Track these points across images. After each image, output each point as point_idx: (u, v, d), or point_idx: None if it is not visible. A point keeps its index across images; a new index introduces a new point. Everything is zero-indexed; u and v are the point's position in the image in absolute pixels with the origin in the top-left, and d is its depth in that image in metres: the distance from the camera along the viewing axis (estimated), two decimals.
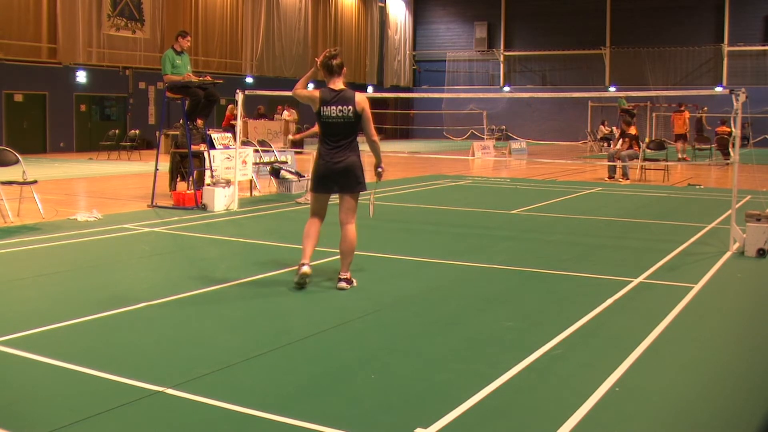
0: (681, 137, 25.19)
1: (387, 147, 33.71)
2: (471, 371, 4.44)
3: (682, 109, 26.35)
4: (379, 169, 6.72)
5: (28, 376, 4.32)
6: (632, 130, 17.85)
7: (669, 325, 5.44)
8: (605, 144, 27.79)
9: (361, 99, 6.29)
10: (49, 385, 4.16)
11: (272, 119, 29.23)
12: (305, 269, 6.27)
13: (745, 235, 8.17)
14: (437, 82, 44.42)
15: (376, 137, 6.46)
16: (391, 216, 11.20)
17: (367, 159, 6.67)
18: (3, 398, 3.98)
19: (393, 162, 23.22)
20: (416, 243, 8.94)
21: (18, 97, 24.94)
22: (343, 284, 6.33)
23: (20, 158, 10.55)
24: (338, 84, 6.34)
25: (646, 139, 23.83)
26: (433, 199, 13.39)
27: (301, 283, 6.29)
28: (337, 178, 6.41)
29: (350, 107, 6.26)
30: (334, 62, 6.33)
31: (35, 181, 10.49)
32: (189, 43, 12.14)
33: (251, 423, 3.69)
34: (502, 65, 43.22)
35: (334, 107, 6.27)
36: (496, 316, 5.72)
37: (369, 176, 6.76)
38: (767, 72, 37.22)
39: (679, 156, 23.98)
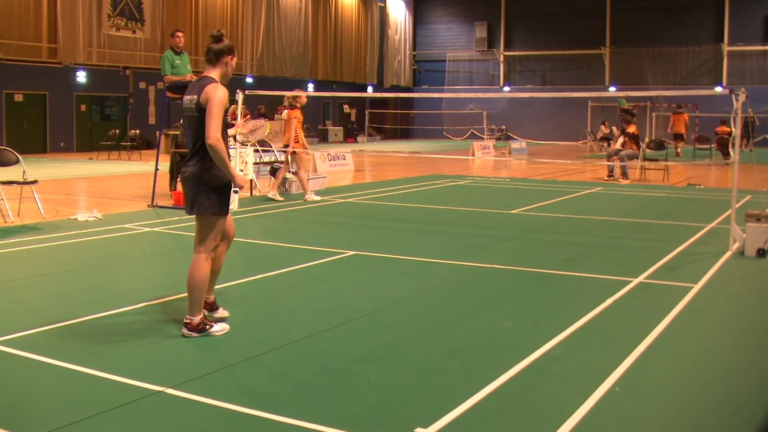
0: (679, 137, 27.71)
1: (387, 147, 33.72)
2: (471, 371, 4.44)
3: (681, 110, 28.58)
4: (235, 189, 5.16)
5: (28, 376, 4.32)
6: (632, 129, 17.84)
7: (669, 325, 5.44)
8: (605, 144, 27.84)
9: (210, 89, 4.90)
10: (49, 385, 4.16)
11: (272, 119, 29.26)
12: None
13: (745, 235, 8.17)
14: (437, 82, 44.43)
15: (211, 140, 4.79)
16: (392, 216, 11.21)
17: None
18: (3, 398, 3.97)
19: (393, 162, 23.23)
20: (416, 243, 8.94)
21: (18, 97, 24.95)
22: (184, 330, 5.01)
23: (20, 158, 10.54)
24: (208, 73, 5.12)
25: (646, 139, 23.91)
26: (433, 199, 13.39)
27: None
28: (184, 190, 5.15)
29: (195, 96, 4.95)
30: (212, 46, 5.10)
31: (35, 181, 10.49)
32: (182, 40, 12.11)
33: (251, 423, 3.69)
34: (502, 65, 43.22)
35: (188, 96, 5.05)
36: (496, 316, 5.72)
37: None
38: (767, 72, 37.21)
39: (676, 152, 26.35)
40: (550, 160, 22.09)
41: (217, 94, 4.89)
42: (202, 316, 5.07)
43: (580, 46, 40.38)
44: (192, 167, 5.01)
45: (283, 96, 13.79)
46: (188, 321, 5.02)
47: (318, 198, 12.69)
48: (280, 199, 12.61)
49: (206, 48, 5.14)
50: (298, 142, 12.77)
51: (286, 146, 12.87)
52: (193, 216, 5.11)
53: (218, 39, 5.12)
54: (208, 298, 5.36)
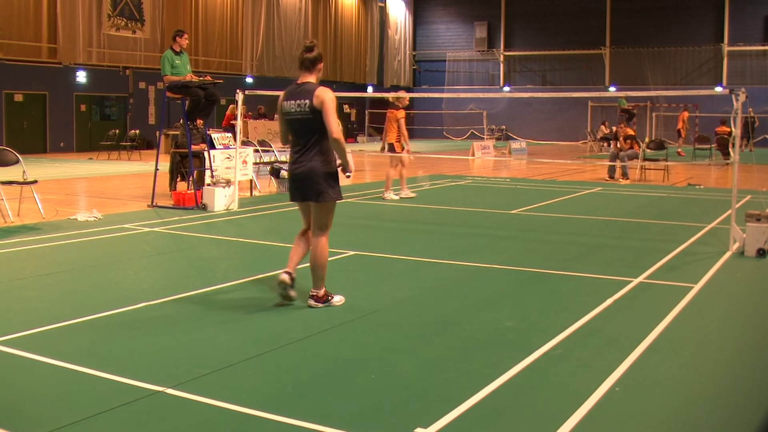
0: (679, 134, 29.37)
1: None
2: (471, 371, 4.44)
3: (685, 110, 30.24)
4: (347, 174, 5.89)
5: (28, 376, 4.32)
6: (630, 131, 17.89)
7: (669, 325, 5.44)
8: (605, 144, 27.88)
9: (321, 92, 5.59)
10: (49, 385, 4.16)
11: (272, 119, 29.25)
12: (281, 276, 5.80)
13: (745, 235, 8.17)
14: (437, 82, 44.42)
15: (336, 134, 5.59)
16: (391, 216, 11.20)
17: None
18: (3, 398, 3.98)
19: None
20: (416, 243, 8.94)
21: (18, 97, 24.95)
22: (311, 302, 5.77)
23: (20, 158, 10.55)
24: (306, 79, 5.77)
25: (646, 139, 23.92)
26: (433, 199, 13.39)
27: (283, 295, 5.80)
28: (298, 185, 5.81)
29: (307, 101, 5.59)
30: (307, 56, 5.76)
31: (35, 181, 10.49)
32: (187, 41, 12.13)
33: (251, 423, 3.69)
34: (502, 65, 43.21)
35: (293, 101, 5.67)
36: (496, 316, 5.72)
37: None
38: (767, 72, 37.20)
39: (678, 152, 27.39)
40: (550, 160, 22.09)
41: (329, 96, 5.59)
42: (325, 289, 5.79)
43: (580, 46, 40.37)
44: (310, 162, 5.66)
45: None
46: (314, 294, 5.77)
47: (397, 197, 12.94)
48: (396, 197, 12.89)
49: (300, 58, 5.79)
50: (399, 141, 12.95)
51: (391, 145, 13.00)
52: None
53: (311, 49, 5.77)
54: (291, 274, 5.78)
